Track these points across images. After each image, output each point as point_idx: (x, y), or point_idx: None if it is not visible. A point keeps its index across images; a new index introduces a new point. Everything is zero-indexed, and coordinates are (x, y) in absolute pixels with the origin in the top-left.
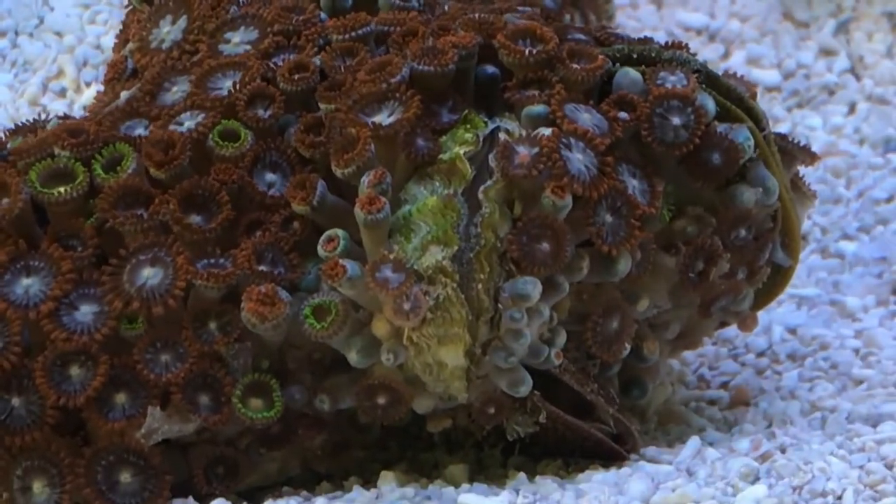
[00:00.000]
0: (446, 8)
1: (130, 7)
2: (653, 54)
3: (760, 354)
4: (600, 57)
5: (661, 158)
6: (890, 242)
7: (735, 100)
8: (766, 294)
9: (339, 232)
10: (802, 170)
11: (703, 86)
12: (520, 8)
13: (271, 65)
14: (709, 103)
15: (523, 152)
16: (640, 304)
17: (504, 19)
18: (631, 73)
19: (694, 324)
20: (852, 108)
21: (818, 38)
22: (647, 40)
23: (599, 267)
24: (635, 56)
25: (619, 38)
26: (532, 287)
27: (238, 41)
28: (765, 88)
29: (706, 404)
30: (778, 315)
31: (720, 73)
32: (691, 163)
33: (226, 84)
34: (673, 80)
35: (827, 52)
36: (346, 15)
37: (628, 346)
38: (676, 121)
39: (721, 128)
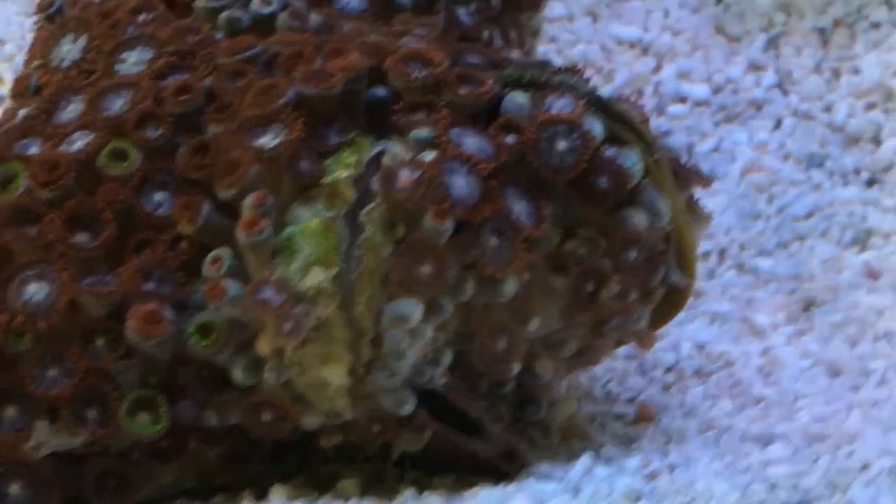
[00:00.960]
0: (345, 29)
1: (40, 23)
2: (542, 79)
3: (668, 370)
4: (488, 81)
5: (549, 182)
6: (805, 259)
7: (625, 124)
8: (664, 314)
9: (225, 252)
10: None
11: (593, 110)
12: (417, 30)
13: (163, 85)
14: (596, 128)
15: (405, 176)
16: (530, 324)
17: (398, 43)
18: (518, 98)
19: (590, 343)
20: (778, 124)
21: (748, 52)
22: (542, 63)
23: (486, 288)
24: (525, 80)
25: (513, 61)
26: (413, 309)
27: (134, 61)
28: (694, 103)
29: (612, 419)
30: (688, 331)
31: (654, 84)
32: (579, 186)
33: (117, 104)
34: (559, 105)
35: (756, 67)
36: (242, 35)
37: (517, 366)
38: (562, 145)
39: (609, 152)
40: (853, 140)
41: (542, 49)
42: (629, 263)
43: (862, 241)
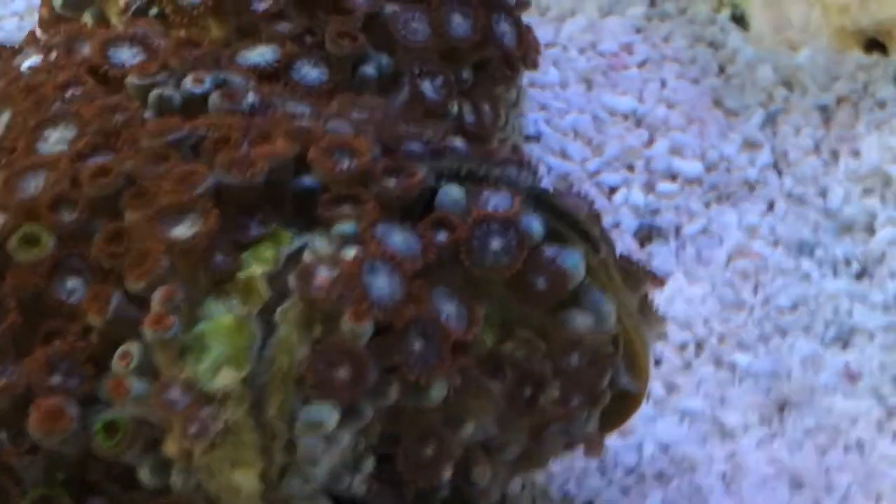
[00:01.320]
0: (281, 110)
1: None
2: (481, 172)
3: (629, 472)
4: (418, 174)
5: (484, 281)
6: (784, 356)
7: (569, 222)
8: (615, 418)
9: (134, 347)
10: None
11: (534, 207)
12: (354, 113)
13: (83, 166)
14: (535, 225)
15: (323, 274)
16: (463, 430)
17: (326, 129)
18: (453, 192)
19: (532, 447)
20: (771, 207)
21: (744, 128)
22: (487, 153)
23: (412, 392)
24: (463, 173)
25: (455, 150)
26: (327, 414)
27: (56, 139)
28: (685, 180)
29: None
30: (655, 430)
31: (645, 158)
32: (516, 286)
33: (33, 185)
34: (495, 202)
35: (751, 145)
36: (172, 115)
37: (447, 472)
38: (496, 244)
39: (549, 251)
40: (846, 228)
41: (532, 117)
42: (571, 367)
43: (844, 339)
